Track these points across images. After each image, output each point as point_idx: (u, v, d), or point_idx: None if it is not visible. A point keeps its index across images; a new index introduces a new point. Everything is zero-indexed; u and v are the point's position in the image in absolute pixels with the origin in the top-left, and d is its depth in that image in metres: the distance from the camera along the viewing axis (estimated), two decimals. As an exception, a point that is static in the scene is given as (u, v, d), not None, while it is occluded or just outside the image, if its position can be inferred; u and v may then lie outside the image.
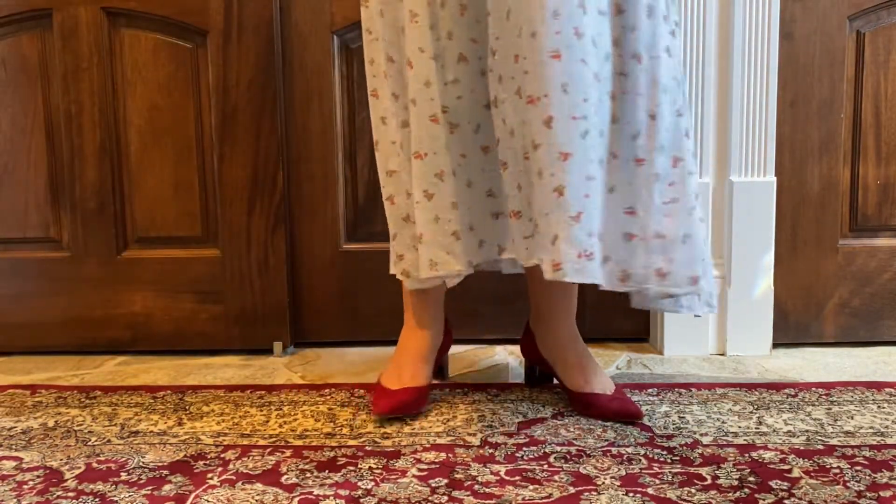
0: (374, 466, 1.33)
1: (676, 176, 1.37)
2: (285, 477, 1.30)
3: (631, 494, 1.22)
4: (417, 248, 1.44)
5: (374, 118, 1.52)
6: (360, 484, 1.27)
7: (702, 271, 1.38)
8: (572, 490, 1.24)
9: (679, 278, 1.37)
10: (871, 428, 1.45)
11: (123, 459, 1.38)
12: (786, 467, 1.30)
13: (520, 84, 1.32)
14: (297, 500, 1.23)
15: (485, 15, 1.37)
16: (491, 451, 1.38)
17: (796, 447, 1.37)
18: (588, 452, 1.36)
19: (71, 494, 1.26)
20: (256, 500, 1.23)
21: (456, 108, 1.40)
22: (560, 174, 1.29)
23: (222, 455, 1.39)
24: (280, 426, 1.51)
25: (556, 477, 1.28)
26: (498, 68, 1.35)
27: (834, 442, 1.39)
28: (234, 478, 1.30)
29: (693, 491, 1.23)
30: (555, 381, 1.62)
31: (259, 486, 1.27)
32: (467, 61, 1.40)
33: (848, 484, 1.24)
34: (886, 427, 1.45)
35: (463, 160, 1.42)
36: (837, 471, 1.29)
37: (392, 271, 1.54)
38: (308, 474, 1.31)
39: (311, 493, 1.25)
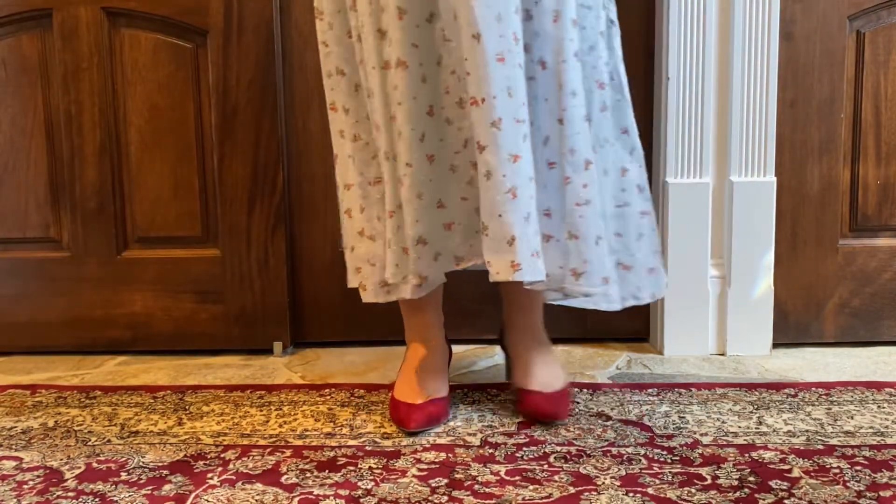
0: (374, 466, 1.33)
1: (588, 178, 1.38)
2: (285, 477, 1.30)
3: (631, 494, 1.22)
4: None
5: (333, 131, 1.51)
6: (360, 484, 1.27)
7: (645, 265, 1.46)
8: (572, 490, 1.24)
9: (593, 279, 1.40)
10: (871, 428, 1.45)
11: (123, 459, 1.38)
12: (786, 467, 1.30)
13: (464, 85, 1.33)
14: (297, 500, 1.23)
15: (424, 19, 1.35)
16: (491, 451, 1.38)
17: (796, 447, 1.37)
18: (588, 452, 1.36)
19: (71, 494, 1.26)
20: (256, 500, 1.23)
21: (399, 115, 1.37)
22: (512, 176, 1.30)
23: (222, 455, 1.39)
24: (280, 426, 1.51)
25: (556, 477, 1.28)
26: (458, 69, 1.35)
27: (834, 442, 1.39)
28: (234, 478, 1.30)
29: (693, 491, 1.23)
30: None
31: (259, 486, 1.27)
32: (407, 66, 1.36)
33: (848, 484, 1.24)
34: (886, 427, 1.45)
35: (409, 170, 1.38)
36: (837, 471, 1.29)
37: (351, 284, 1.55)
38: (308, 474, 1.31)
39: (311, 492, 1.25)
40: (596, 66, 1.42)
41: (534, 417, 1.49)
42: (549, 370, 1.54)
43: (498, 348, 1.94)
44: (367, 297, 1.52)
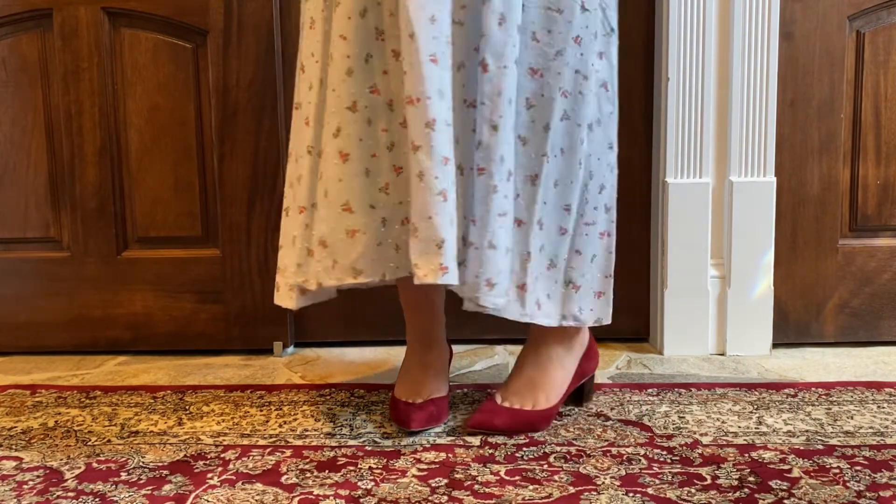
0: (374, 466, 1.33)
1: (509, 189, 1.35)
2: (285, 477, 1.30)
3: (631, 494, 1.22)
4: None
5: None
6: (360, 484, 1.27)
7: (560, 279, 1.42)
8: (572, 490, 1.24)
9: (501, 289, 1.35)
10: (871, 428, 1.45)
11: (123, 459, 1.38)
12: (786, 467, 1.30)
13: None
14: (297, 500, 1.23)
15: (357, 12, 1.34)
16: (491, 451, 1.38)
17: (796, 447, 1.37)
18: (588, 452, 1.36)
19: (71, 494, 1.26)
20: (256, 500, 1.23)
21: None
22: (443, 178, 1.28)
23: (222, 455, 1.39)
24: (280, 426, 1.51)
25: (556, 477, 1.28)
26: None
27: (834, 442, 1.39)
28: (234, 478, 1.30)
29: (693, 491, 1.23)
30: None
31: (259, 486, 1.27)
32: (332, 58, 1.35)
33: (848, 484, 1.24)
34: (886, 427, 1.45)
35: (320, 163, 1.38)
36: (837, 471, 1.29)
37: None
38: (308, 474, 1.31)
39: (311, 493, 1.25)
40: (561, 73, 1.37)
41: (472, 425, 1.45)
42: (529, 393, 1.48)
43: (498, 348, 1.95)
44: (277, 299, 1.46)
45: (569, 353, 1.49)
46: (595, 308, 1.48)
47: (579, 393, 1.56)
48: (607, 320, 1.50)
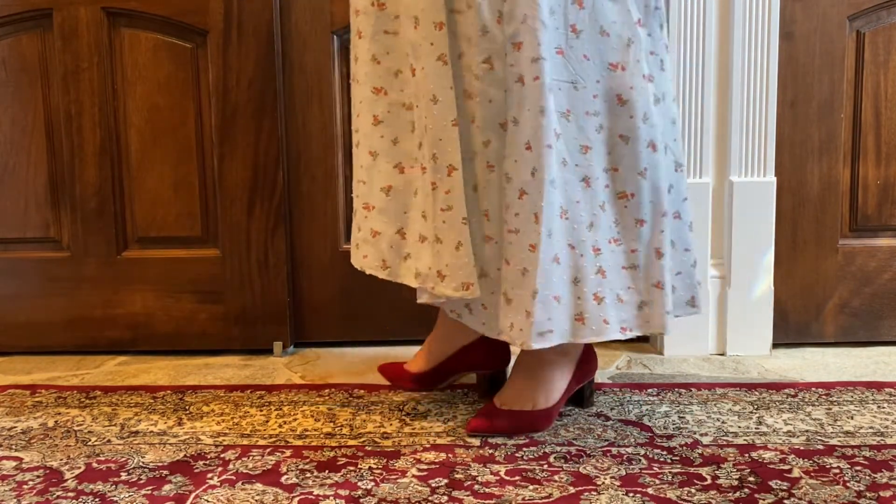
0: (374, 466, 1.33)
1: (450, 185, 1.36)
2: (285, 477, 1.30)
3: (631, 494, 1.22)
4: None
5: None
6: (360, 484, 1.27)
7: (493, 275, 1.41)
8: (572, 490, 1.24)
9: (455, 283, 1.37)
10: (871, 428, 1.45)
11: (123, 459, 1.38)
12: (786, 467, 1.30)
13: None
14: (297, 500, 1.23)
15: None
16: (491, 451, 1.38)
17: (796, 447, 1.37)
18: (588, 452, 1.36)
19: (71, 494, 1.26)
20: (256, 500, 1.23)
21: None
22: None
23: (222, 455, 1.39)
24: (280, 426, 1.51)
25: (556, 477, 1.28)
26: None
27: (834, 442, 1.39)
28: (234, 478, 1.30)
29: (693, 491, 1.23)
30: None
31: (259, 486, 1.27)
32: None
33: (848, 484, 1.24)
34: (886, 427, 1.45)
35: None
36: (837, 471, 1.29)
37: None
38: (308, 474, 1.31)
39: (310, 493, 1.25)
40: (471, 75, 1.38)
41: (471, 429, 1.46)
42: (515, 394, 1.49)
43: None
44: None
45: (563, 355, 1.49)
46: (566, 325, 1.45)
47: (580, 396, 1.55)
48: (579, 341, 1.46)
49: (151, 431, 1.50)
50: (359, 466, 1.33)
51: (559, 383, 1.49)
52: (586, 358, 1.53)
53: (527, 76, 1.32)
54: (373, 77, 1.43)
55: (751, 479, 1.27)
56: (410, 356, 1.67)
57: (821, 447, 1.37)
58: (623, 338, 1.41)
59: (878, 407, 1.54)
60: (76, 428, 1.52)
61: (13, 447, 1.45)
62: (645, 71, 1.38)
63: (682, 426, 1.47)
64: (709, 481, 1.26)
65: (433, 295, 1.40)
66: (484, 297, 1.41)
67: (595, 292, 1.38)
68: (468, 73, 1.36)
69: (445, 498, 1.22)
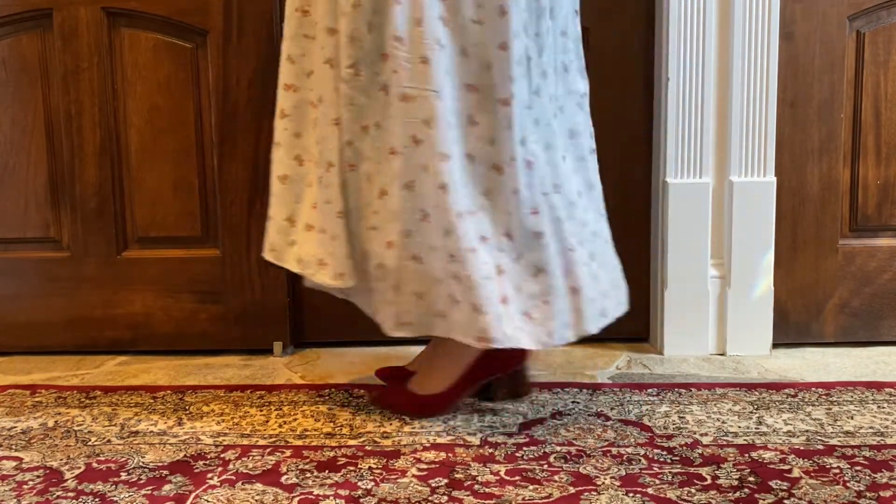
0: (374, 466, 1.33)
1: (329, 180, 1.45)
2: (285, 477, 1.30)
3: (631, 494, 1.22)
4: None
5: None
6: (360, 484, 1.27)
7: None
8: (572, 490, 1.24)
9: (332, 273, 1.47)
10: (871, 428, 1.45)
11: (123, 459, 1.38)
12: (786, 467, 1.30)
13: None
14: (297, 500, 1.23)
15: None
16: (491, 450, 1.38)
17: (796, 447, 1.37)
18: (588, 452, 1.36)
19: (71, 494, 1.26)
20: (256, 500, 1.23)
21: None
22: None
23: (222, 455, 1.39)
24: (280, 426, 1.51)
25: (556, 477, 1.28)
26: None
27: (834, 442, 1.39)
28: (234, 478, 1.30)
29: (693, 491, 1.23)
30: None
31: (259, 486, 1.27)
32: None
33: (848, 484, 1.24)
34: (886, 427, 1.45)
35: None
36: (837, 471, 1.29)
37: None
38: (308, 474, 1.31)
39: (311, 493, 1.25)
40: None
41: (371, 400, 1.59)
42: (422, 378, 1.57)
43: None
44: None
45: (457, 345, 1.47)
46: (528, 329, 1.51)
47: (511, 389, 1.59)
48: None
49: (151, 431, 1.50)
50: (359, 466, 1.33)
51: (450, 371, 1.54)
52: (492, 353, 1.50)
53: (392, 87, 1.40)
54: (286, 75, 1.52)
55: (751, 479, 1.27)
56: (411, 356, 1.68)
57: (821, 447, 1.37)
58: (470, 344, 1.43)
59: (878, 407, 1.54)
60: (76, 428, 1.52)
61: (13, 447, 1.45)
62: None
63: (682, 426, 1.47)
64: (709, 481, 1.26)
65: (313, 281, 1.50)
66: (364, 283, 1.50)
67: (450, 293, 1.41)
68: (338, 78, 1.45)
69: (445, 498, 1.22)
